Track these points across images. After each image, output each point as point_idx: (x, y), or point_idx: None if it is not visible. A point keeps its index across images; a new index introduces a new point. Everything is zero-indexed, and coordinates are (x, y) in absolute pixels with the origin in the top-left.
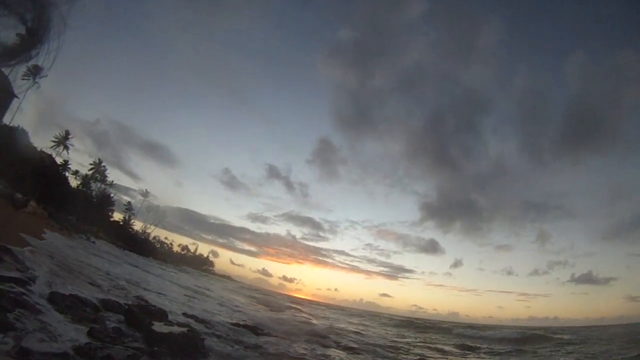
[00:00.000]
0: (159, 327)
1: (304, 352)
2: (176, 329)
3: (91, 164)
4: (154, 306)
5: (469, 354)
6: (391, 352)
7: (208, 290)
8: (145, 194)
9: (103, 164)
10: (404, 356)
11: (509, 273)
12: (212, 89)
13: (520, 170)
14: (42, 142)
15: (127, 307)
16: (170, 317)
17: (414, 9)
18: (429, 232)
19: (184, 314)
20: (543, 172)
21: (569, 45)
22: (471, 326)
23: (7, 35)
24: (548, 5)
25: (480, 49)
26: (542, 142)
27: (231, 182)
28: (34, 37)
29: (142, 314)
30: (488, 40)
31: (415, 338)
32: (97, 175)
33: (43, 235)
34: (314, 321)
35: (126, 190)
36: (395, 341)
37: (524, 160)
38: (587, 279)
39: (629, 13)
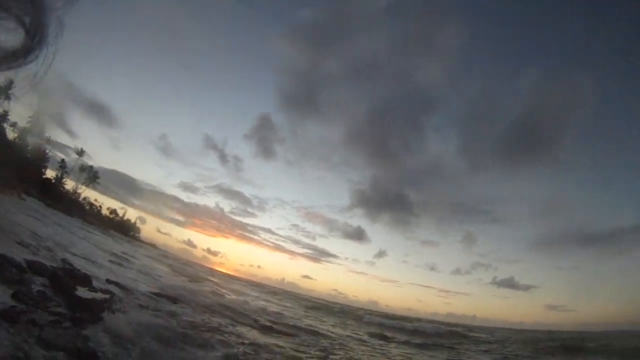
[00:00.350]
0: (82, 292)
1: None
2: (99, 296)
3: (30, 117)
4: (79, 270)
5: (385, 343)
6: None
7: (133, 257)
8: (81, 152)
9: (42, 117)
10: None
11: (432, 269)
12: (161, 51)
13: (456, 172)
14: None
15: (52, 270)
16: (94, 282)
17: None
18: (357, 219)
19: (108, 280)
20: (478, 177)
21: (526, 59)
22: (389, 316)
23: (5, 38)
24: (513, 18)
25: (439, 49)
26: (482, 147)
27: (167, 149)
28: (32, 40)
29: (67, 278)
30: (447, 42)
31: (334, 325)
32: (35, 128)
33: None
34: (233, 296)
35: (62, 147)
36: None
37: (461, 163)
38: (509, 283)
39: (590, 40)
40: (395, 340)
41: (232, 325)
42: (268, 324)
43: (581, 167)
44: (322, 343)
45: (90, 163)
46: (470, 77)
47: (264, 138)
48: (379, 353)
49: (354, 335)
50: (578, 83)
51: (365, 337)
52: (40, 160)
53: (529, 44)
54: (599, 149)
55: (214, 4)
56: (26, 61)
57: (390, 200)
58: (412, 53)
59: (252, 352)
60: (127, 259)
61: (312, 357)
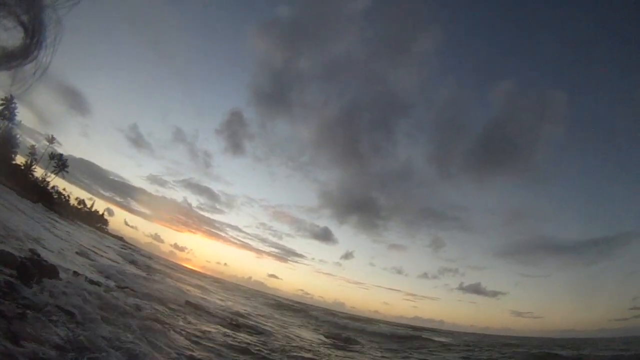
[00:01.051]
0: (49, 284)
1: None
2: (67, 288)
3: (1, 100)
4: (46, 261)
5: (350, 346)
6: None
7: (101, 250)
8: (51, 139)
9: (15, 101)
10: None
11: (399, 272)
12: (134, 39)
13: (425, 177)
14: None
15: (20, 260)
16: (60, 274)
17: (358, 2)
18: (325, 220)
19: (75, 273)
20: (447, 184)
21: (501, 72)
22: (355, 318)
23: (5, 37)
24: (490, 29)
25: (414, 54)
26: (452, 155)
27: (137, 140)
28: (31, 41)
29: (34, 269)
30: (423, 48)
31: (299, 326)
32: (6, 112)
33: None
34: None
35: (32, 132)
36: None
37: (431, 169)
38: (476, 289)
39: (565, 57)
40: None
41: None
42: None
43: (551, 179)
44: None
45: (60, 151)
46: (444, 84)
47: (234, 133)
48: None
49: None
50: (550, 97)
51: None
52: (10, 144)
53: (504, 57)
54: (568, 163)
55: None
56: (25, 61)
57: (358, 203)
58: (387, 57)
59: None
60: (95, 252)
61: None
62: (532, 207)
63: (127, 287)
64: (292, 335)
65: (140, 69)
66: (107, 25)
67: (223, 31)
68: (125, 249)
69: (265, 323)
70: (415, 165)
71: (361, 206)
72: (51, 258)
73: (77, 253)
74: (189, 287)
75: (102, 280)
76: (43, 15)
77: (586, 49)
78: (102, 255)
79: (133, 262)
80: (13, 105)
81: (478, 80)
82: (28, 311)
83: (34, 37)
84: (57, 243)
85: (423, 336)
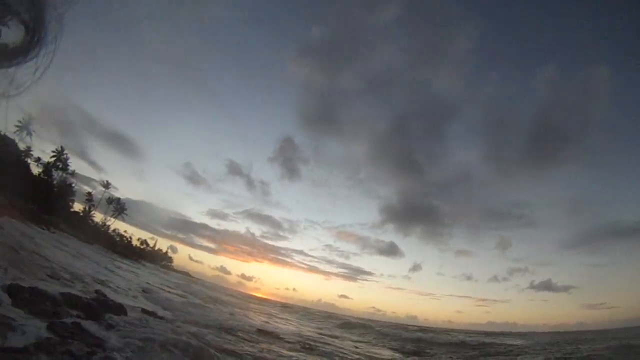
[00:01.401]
0: (116, 321)
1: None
2: (132, 325)
3: (53, 152)
4: (112, 301)
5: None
6: None
7: (166, 287)
8: (106, 185)
9: (65, 152)
10: None
11: (469, 278)
12: (179, 81)
13: (483, 178)
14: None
15: (86, 301)
16: (128, 312)
17: (388, 12)
18: (389, 235)
19: (143, 310)
20: (506, 181)
21: (540, 58)
22: (426, 329)
23: (6, 36)
24: (522, 18)
25: (452, 56)
26: (507, 151)
27: (192, 177)
28: (32, 39)
29: (101, 309)
30: (460, 48)
31: (371, 344)
32: (59, 163)
33: (3, 224)
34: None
35: (87, 180)
36: None
37: (488, 169)
38: (547, 286)
39: (601, 31)
40: None
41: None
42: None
43: (607, 161)
44: None
45: (116, 195)
46: (487, 81)
47: (288, 159)
48: None
49: None
50: (592, 75)
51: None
52: (67, 194)
53: (540, 43)
54: (621, 140)
55: (227, 31)
56: (26, 59)
57: (420, 213)
58: (425, 62)
59: None
60: (160, 289)
61: None
62: (592, 193)
63: (191, 320)
64: (363, 352)
65: (186, 109)
66: (148, 70)
67: (261, 61)
68: (190, 284)
69: (334, 343)
70: (472, 168)
71: (423, 216)
72: (117, 297)
73: (143, 290)
74: (258, 315)
75: (168, 315)
76: (44, 13)
77: (621, 20)
78: (167, 291)
79: (193, 294)
80: (65, 156)
81: (519, 71)
82: (96, 349)
83: (35, 35)
84: (123, 283)
85: (497, 342)
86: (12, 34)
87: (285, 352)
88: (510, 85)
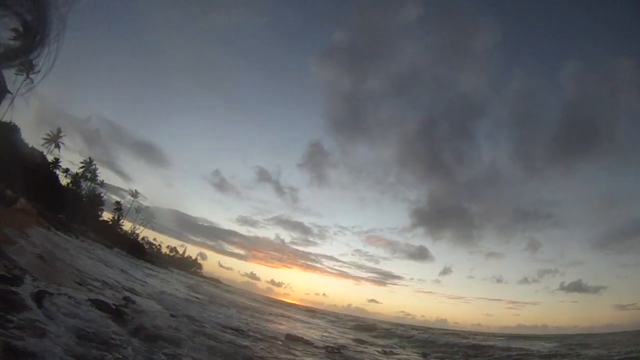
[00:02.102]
0: (146, 328)
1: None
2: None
3: (82, 163)
4: (139, 306)
5: None
6: None
7: (196, 292)
8: (135, 194)
9: (94, 162)
10: None
11: (499, 281)
12: (203, 89)
13: (512, 177)
14: (33, 139)
15: (115, 308)
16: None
17: (409, 12)
18: (419, 238)
19: (171, 315)
20: (534, 180)
21: (565, 51)
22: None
23: (7, 35)
24: (544, 10)
25: (475, 52)
26: (535, 148)
27: (221, 184)
28: (34, 38)
29: (131, 315)
30: (483, 44)
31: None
32: (88, 174)
33: (32, 233)
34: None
35: (116, 190)
36: None
37: (516, 167)
38: (577, 287)
39: (626, 20)
40: None
41: None
42: None
43: (636, 155)
44: None
45: (145, 204)
46: (512, 77)
47: (317, 165)
48: None
49: None
50: (617, 65)
51: None
52: (96, 203)
53: (563, 36)
54: None
55: (249, 37)
56: (28, 59)
57: (449, 216)
58: (450, 61)
59: None
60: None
61: None
62: (622, 190)
63: (207, 322)
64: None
65: (212, 117)
66: (172, 79)
67: (285, 67)
68: (214, 288)
69: (360, 347)
70: (500, 167)
71: (453, 218)
72: (145, 303)
73: (168, 294)
74: (286, 320)
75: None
76: (46, 13)
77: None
78: (196, 298)
79: (213, 298)
80: (93, 166)
81: (544, 66)
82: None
83: (37, 35)
84: (151, 289)
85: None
86: (14, 34)
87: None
88: (535, 80)
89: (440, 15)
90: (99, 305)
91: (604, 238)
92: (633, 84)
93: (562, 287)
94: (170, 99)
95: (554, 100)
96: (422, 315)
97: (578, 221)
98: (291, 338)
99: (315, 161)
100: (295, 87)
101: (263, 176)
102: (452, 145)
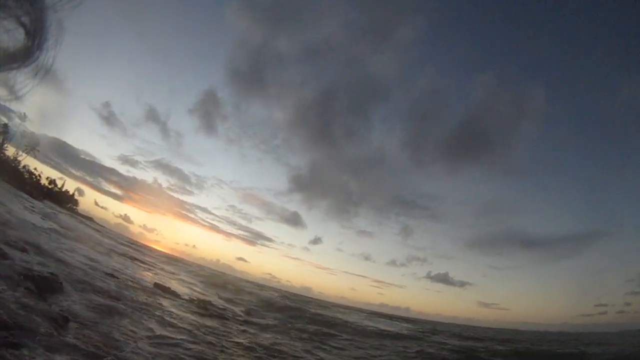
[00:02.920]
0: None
1: None
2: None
3: None
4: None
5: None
6: None
7: (71, 230)
8: (23, 117)
9: None
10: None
11: (367, 259)
12: (110, 10)
13: (398, 164)
14: None
15: None
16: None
17: None
18: (295, 204)
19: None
20: (420, 173)
21: (482, 64)
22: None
23: (6, 39)
24: (472, 22)
25: (396, 41)
26: (427, 144)
27: (109, 118)
28: (32, 41)
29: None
30: (405, 36)
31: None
32: None
33: None
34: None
35: (5, 110)
36: None
37: (404, 156)
38: (443, 278)
39: (544, 53)
40: None
41: None
42: None
43: (525, 174)
44: None
45: (31, 129)
46: (424, 74)
47: (208, 113)
48: None
49: None
50: (528, 92)
51: None
52: None
53: (484, 50)
54: (543, 158)
55: None
56: (26, 62)
57: (328, 187)
58: (368, 42)
59: None
60: (65, 234)
61: None
62: (504, 201)
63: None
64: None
65: (115, 45)
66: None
67: (202, 7)
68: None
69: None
70: (389, 152)
71: (332, 191)
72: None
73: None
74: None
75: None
76: (44, 16)
77: (565, 46)
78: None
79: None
80: None
81: (458, 72)
82: None
83: (35, 38)
84: (29, 225)
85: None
86: (12, 38)
87: None
88: (445, 83)
89: None
90: None
91: (477, 239)
92: (538, 112)
93: (429, 276)
94: (75, 18)
95: (459, 106)
96: (288, 280)
97: (455, 219)
98: (159, 287)
99: (207, 109)
100: (204, 29)
101: (152, 116)
102: (346, 121)
